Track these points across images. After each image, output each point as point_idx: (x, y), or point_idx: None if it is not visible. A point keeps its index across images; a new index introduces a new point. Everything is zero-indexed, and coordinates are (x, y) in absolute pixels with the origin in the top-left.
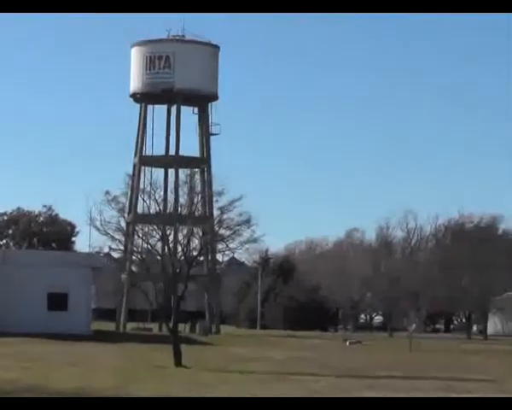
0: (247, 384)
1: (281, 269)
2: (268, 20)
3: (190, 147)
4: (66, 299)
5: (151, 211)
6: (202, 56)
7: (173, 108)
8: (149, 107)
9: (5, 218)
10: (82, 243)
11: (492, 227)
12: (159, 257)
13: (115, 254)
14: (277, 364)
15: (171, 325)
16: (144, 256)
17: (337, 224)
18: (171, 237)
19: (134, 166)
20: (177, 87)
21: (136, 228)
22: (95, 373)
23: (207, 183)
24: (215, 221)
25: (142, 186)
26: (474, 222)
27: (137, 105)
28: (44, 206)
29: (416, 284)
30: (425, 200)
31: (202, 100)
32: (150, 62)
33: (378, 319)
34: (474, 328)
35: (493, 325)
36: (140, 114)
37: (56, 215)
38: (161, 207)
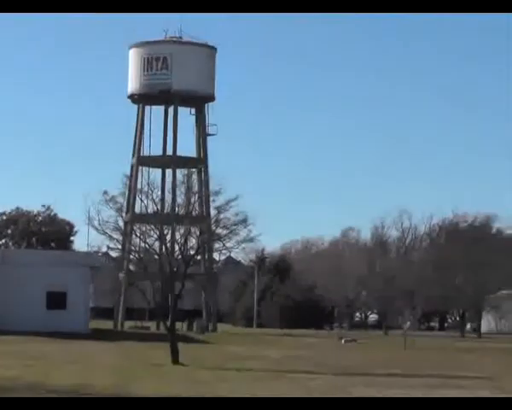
0: (243, 382)
1: (277, 268)
2: (265, 20)
3: (187, 147)
4: (64, 298)
5: (149, 211)
6: (199, 58)
7: (170, 109)
8: (147, 108)
9: (4, 218)
10: (80, 243)
11: (486, 226)
12: (156, 256)
13: (113, 254)
14: (274, 362)
15: (168, 323)
16: (142, 255)
17: (333, 223)
18: (168, 237)
19: (132, 166)
20: (175, 88)
21: (134, 227)
22: (94, 371)
23: (204, 183)
24: (212, 221)
25: (139, 186)
26: (468, 221)
27: (135, 106)
28: (43, 206)
29: (410, 282)
30: (420, 199)
31: (199, 101)
32: (148, 64)
33: (373, 317)
34: (468, 326)
35: (487, 323)
36: (138, 114)
37: (55, 215)
38: (159, 207)
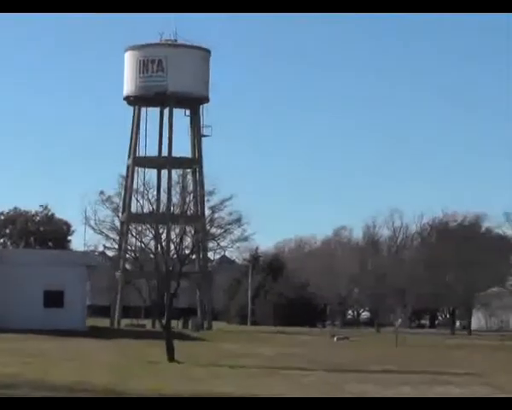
0: (237, 379)
1: (270, 267)
2: (261, 20)
3: (182, 148)
4: (62, 296)
5: (144, 210)
6: (194, 60)
7: (166, 111)
8: (143, 109)
9: (2, 217)
10: (77, 242)
11: (476, 225)
12: (152, 255)
13: (110, 253)
14: (267, 359)
15: (164, 321)
16: (138, 254)
17: (325, 222)
18: (163, 236)
19: (128, 166)
20: (170, 90)
21: (130, 227)
22: (91, 369)
23: (199, 183)
24: (206, 220)
25: (135, 186)
26: (457, 221)
27: (131, 108)
28: (41, 206)
29: (401, 281)
30: (411, 199)
31: (194, 102)
32: (143, 66)
33: (365, 314)
34: (458, 324)
35: (477, 320)
36: (133, 116)
37: (52, 215)
38: (154, 207)
